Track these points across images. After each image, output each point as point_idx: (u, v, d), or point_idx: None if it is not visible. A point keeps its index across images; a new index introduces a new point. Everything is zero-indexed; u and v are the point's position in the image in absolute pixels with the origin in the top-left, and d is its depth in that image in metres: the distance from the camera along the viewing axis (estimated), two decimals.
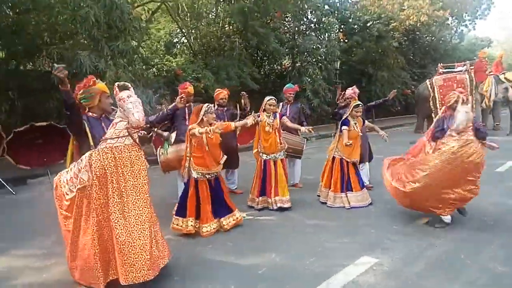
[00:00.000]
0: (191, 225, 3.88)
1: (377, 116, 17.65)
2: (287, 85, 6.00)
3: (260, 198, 4.76)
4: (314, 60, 14.61)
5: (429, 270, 3.03)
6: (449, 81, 10.45)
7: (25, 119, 7.55)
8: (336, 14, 16.41)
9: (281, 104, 5.82)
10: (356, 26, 17.55)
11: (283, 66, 16.36)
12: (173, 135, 4.70)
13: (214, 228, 3.96)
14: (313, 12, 14.97)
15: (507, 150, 7.28)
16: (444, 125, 3.93)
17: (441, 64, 11.62)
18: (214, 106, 4.29)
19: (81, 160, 2.72)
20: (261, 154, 4.77)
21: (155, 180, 4.67)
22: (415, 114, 13.90)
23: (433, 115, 9.93)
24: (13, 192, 6.09)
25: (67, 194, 2.79)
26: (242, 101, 5.14)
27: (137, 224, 2.69)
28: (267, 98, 4.79)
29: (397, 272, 3.00)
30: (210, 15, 14.40)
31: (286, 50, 14.74)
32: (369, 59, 17.60)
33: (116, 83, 2.84)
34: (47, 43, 8.16)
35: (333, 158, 4.90)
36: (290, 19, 15.33)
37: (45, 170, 6.71)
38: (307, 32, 15.33)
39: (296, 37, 15.00)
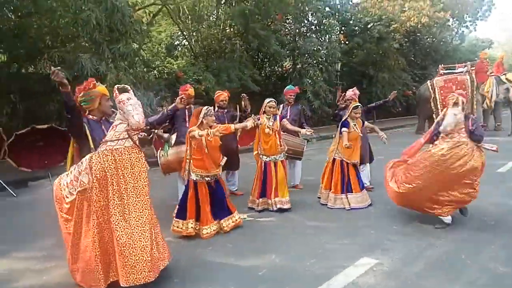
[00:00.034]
0: (191, 227, 3.88)
1: (378, 117, 17.65)
2: (287, 87, 6.02)
3: (261, 199, 4.76)
4: (315, 62, 14.66)
5: (429, 271, 3.02)
6: (450, 82, 10.47)
7: (27, 122, 7.61)
8: (337, 16, 16.46)
9: (281, 105, 5.84)
10: (356, 27, 17.57)
11: (284, 68, 16.37)
12: (174, 136, 4.70)
13: (214, 230, 3.96)
14: (314, 14, 15.00)
15: (508, 151, 7.27)
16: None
17: (442, 65, 11.65)
18: (214, 108, 4.30)
19: (81, 163, 2.73)
20: (261, 156, 4.78)
21: (155, 182, 4.69)
22: (417, 115, 13.89)
23: (434, 116, 9.95)
24: (14, 195, 6.11)
25: (67, 197, 2.79)
26: (243, 103, 5.14)
27: (137, 226, 2.70)
28: (267, 100, 4.79)
29: (397, 273, 3.00)
30: (211, 18, 14.44)
31: (287, 52, 14.77)
32: (369, 61, 17.58)
33: (116, 86, 2.85)
34: (49, 46, 8.22)
35: (334, 160, 4.90)
36: (291, 21, 15.37)
37: (46, 173, 6.74)
38: (308, 34, 15.37)
39: (297, 39, 15.05)
